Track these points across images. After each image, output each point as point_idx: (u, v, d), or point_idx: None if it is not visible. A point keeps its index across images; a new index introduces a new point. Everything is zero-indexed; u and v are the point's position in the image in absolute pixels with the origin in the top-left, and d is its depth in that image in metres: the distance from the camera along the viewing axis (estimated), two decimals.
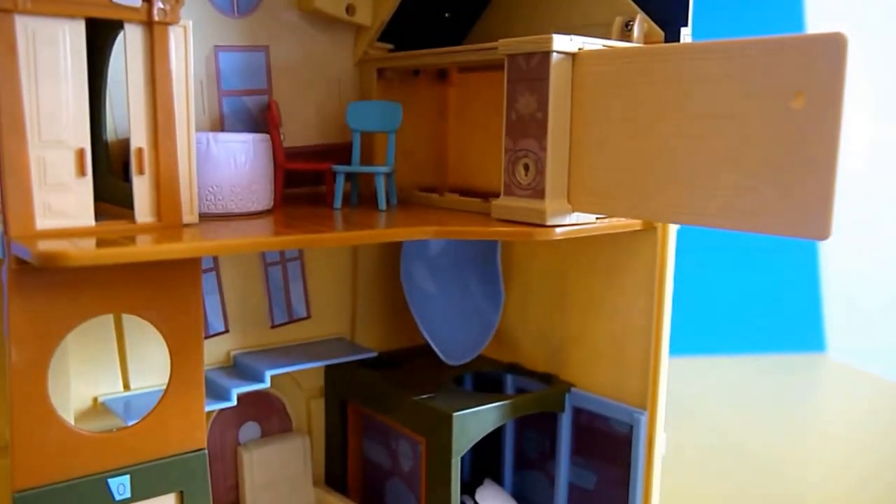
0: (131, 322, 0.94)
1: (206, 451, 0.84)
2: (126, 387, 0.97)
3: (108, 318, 0.94)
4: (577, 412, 1.08)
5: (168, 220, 0.76)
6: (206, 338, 1.02)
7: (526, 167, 0.86)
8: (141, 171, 0.75)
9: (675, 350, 1.00)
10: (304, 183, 1.07)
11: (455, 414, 0.96)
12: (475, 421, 0.98)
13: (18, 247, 0.67)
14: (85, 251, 0.65)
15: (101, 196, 0.78)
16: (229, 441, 1.09)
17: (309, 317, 1.13)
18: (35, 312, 0.72)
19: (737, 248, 2.50)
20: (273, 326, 1.10)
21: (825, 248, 2.58)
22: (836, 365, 2.42)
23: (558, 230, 0.84)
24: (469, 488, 1.10)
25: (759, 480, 1.49)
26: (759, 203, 0.69)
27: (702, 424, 1.79)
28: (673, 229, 0.97)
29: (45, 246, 0.65)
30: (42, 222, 0.70)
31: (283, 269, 1.09)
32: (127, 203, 0.76)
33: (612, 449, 1.04)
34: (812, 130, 0.65)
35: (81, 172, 0.71)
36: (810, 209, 0.66)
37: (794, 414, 1.92)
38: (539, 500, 1.14)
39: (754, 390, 2.08)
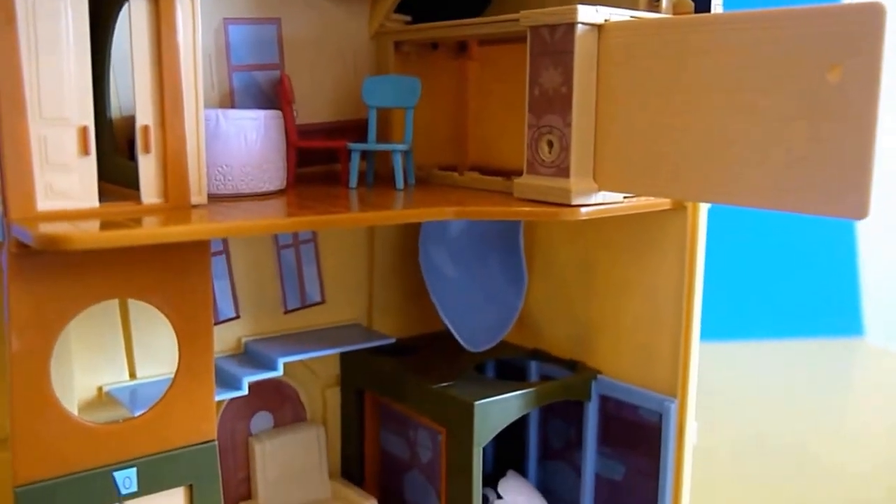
0: (137, 308, 0.94)
1: (217, 443, 0.84)
2: (132, 376, 0.96)
3: (113, 304, 0.94)
4: (604, 400, 1.07)
5: (175, 201, 0.76)
6: (216, 324, 1.02)
7: (550, 144, 0.84)
8: (147, 150, 0.74)
9: (705, 335, 0.99)
10: (317, 162, 1.06)
11: (477, 403, 0.95)
12: (498, 410, 0.97)
13: (19, 229, 0.66)
14: (88, 234, 0.65)
15: (105, 176, 0.77)
16: (240, 432, 1.09)
17: (323, 302, 1.12)
18: (36, 298, 0.71)
19: (770, 229, 2.48)
20: (286, 312, 1.09)
21: (863, 229, 2.55)
22: (875, 350, 2.39)
23: (584, 210, 0.83)
24: (491, 480, 1.09)
25: (793, 470, 1.48)
26: (793, 181, 0.68)
27: (734, 413, 1.78)
28: (703, 209, 0.96)
29: (46, 228, 0.65)
30: (43, 203, 0.69)
31: (296, 251, 1.08)
32: (132, 183, 0.76)
33: (640, 438, 1.03)
34: (848, 105, 0.64)
35: (85, 151, 0.71)
36: (847, 187, 0.64)
37: (831, 401, 1.91)
38: (565, 492, 1.13)
39: (789, 377, 2.07)
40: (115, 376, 0.95)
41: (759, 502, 1.35)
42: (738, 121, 0.71)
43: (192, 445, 0.82)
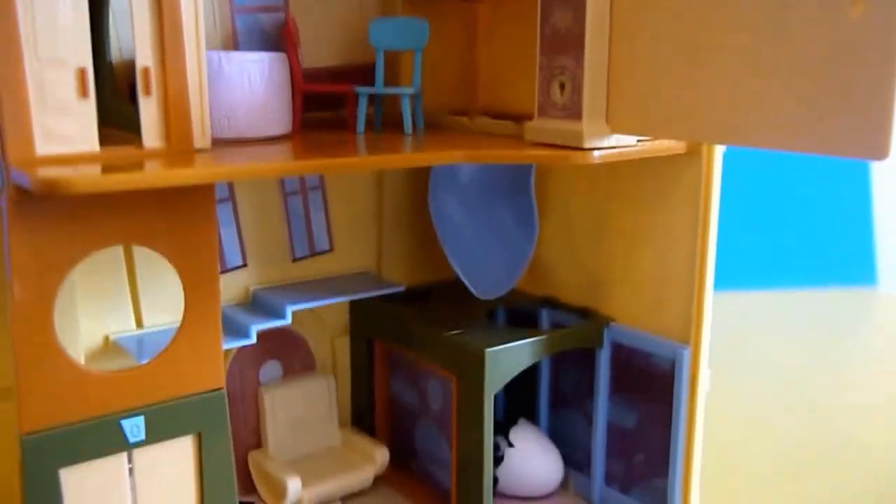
0: (143, 256, 0.92)
1: (225, 391, 0.83)
2: (139, 324, 0.95)
3: (118, 252, 0.93)
4: (617, 348, 1.05)
5: (178, 145, 0.74)
6: (222, 272, 1.01)
7: (562, 86, 0.82)
8: (147, 93, 0.72)
9: (717, 285, 0.98)
10: (324, 107, 1.04)
11: (488, 350, 0.94)
12: (509, 357, 0.96)
13: (17, 174, 0.65)
14: (89, 178, 0.63)
15: (106, 121, 0.75)
16: (250, 381, 1.08)
17: (332, 250, 1.11)
18: (38, 245, 0.70)
19: (783, 177, 2.45)
20: (294, 260, 1.08)
21: (877, 177, 2.52)
22: (889, 299, 2.38)
23: (596, 153, 0.81)
24: (502, 428, 1.09)
25: (804, 418, 1.47)
26: (812, 121, 0.65)
27: (746, 362, 1.77)
28: (718, 153, 0.94)
29: (45, 173, 0.63)
30: (42, 148, 0.68)
31: (303, 199, 1.06)
32: (134, 128, 0.74)
33: (653, 386, 1.02)
34: (870, 41, 0.61)
35: (83, 94, 0.69)
36: (867, 127, 0.62)
37: (843, 350, 1.89)
38: (576, 439, 1.12)
39: (802, 326, 2.05)
40: (121, 325, 0.94)
41: (771, 449, 1.34)
42: (757, 58, 0.68)
43: (201, 393, 0.81)
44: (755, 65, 0.68)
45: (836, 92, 0.63)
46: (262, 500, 1.06)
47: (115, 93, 0.82)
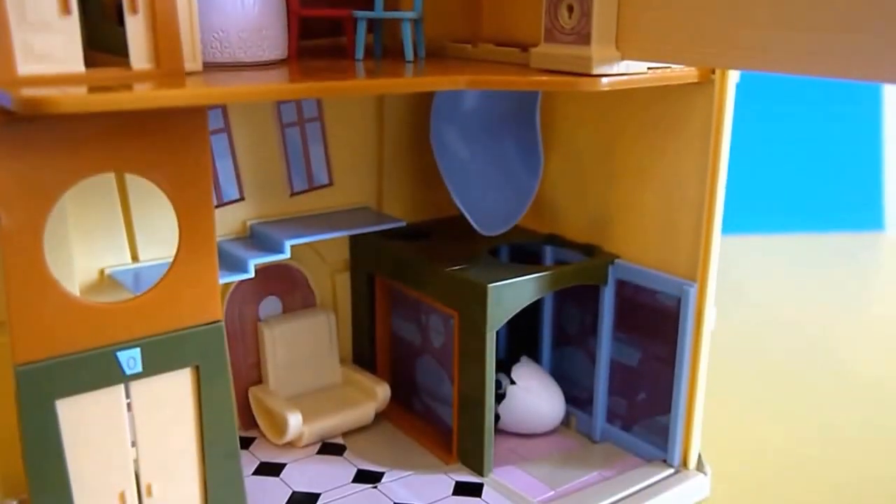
0: (137, 189, 0.90)
1: (223, 324, 0.81)
2: (135, 258, 0.93)
3: (111, 185, 0.90)
4: (621, 285, 1.03)
5: (168, 67, 0.70)
6: (219, 206, 0.98)
7: (570, 9, 0.79)
8: (134, 10, 0.68)
9: (724, 229, 0.95)
10: (321, 34, 1.00)
11: (490, 285, 0.92)
12: (511, 293, 0.94)
13: None
14: (74, 97, 0.60)
15: (93, 45, 0.73)
16: (249, 317, 1.06)
17: (331, 184, 1.08)
18: (24, 170, 0.67)
19: (791, 121, 2.41)
20: (292, 194, 1.05)
21: (889, 121, 2.48)
22: None
23: (605, 80, 0.78)
24: (505, 366, 1.07)
25: (809, 360, 1.46)
26: (835, 42, 0.62)
27: (752, 303, 1.75)
28: (731, 83, 0.90)
29: (29, 92, 0.60)
30: (24, 67, 0.65)
31: (301, 130, 1.03)
32: (122, 50, 0.70)
33: (657, 324, 1.00)
34: None
35: (65, 10, 0.65)
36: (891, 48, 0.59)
37: (850, 294, 1.87)
38: (579, 377, 1.11)
39: (809, 270, 2.03)
40: (116, 259, 0.92)
41: (774, 390, 1.33)
42: None
43: (198, 326, 0.79)
44: None
45: (859, 11, 0.60)
46: (264, 436, 1.05)
47: (102, 14, 0.78)
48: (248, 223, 1.02)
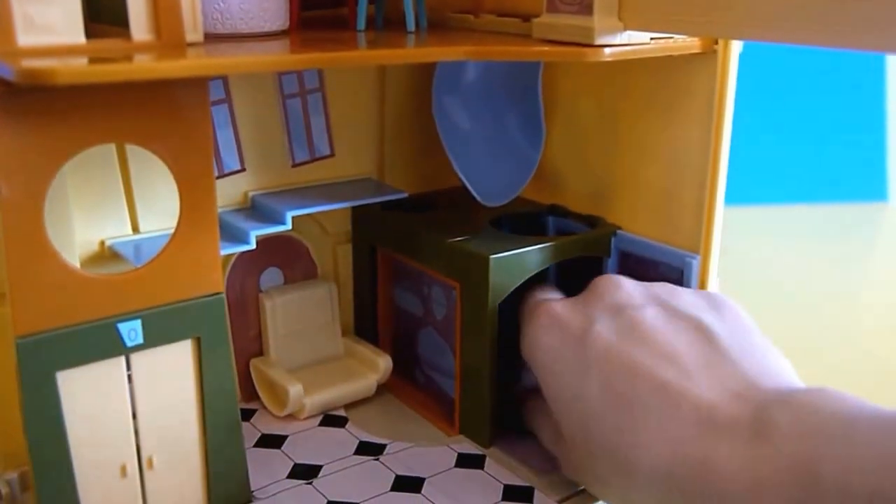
0: (138, 159, 0.90)
1: (224, 296, 0.81)
2: (135, 229, 0.93)
3: (112, 156, 0.90)
4: (624, 256, 1.03)
5: (169, 38, 0.71)
6: (220, 177, 0.99)
7: None
8: None
9: (727, 200, 0.95)
10: (322, 5, 1.00)
11: (492, 256, 0.92)
12: (514, 264, 0.94)
13: None
14: (75, 68, 0.60)
15: (94, 16, 0.72)
16: (250, 288, 1.06)
17: (332, 155, 1.08)
18: (24, 141, 0.67)
19: (796, 91, 2.40)
20: (294, 165, 1.05)
21: (892, 93, 2.47)
22: None
23: (608, 50, 0.78)
24: (506, 341, 1.07)
25: (813, 330, 1.46)
26: (844, 11, 0.61)
27: (755, 274, 1.75)
28: (734, 53, 0.90)
29: (29, 63, 0.60)
30: (24, 38, 0.65)
31: (302, 101, 1.03)
32: (122, 21, 0.70)
33: None
34: None
35: None
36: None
37: (853, 264, 1.88)
38: None
39: (812, 241, 2.03)
40: (117, 230, 0.93)
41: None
42: None
43: (199, 297, 0.80)
44: None
45: None
46: (265, 408, 1.05)
47: None
48: (250, 194, 1.02)
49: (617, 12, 0.78)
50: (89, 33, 0.68)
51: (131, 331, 0.76)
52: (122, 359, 0.77)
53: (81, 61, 0.63)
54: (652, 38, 0.82)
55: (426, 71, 1.07)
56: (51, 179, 0.69)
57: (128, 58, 0.65)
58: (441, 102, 1.03)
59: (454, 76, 1.03)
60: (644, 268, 1.01)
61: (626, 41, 0.80)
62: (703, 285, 0.96)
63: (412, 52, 0.79)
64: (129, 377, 0.78)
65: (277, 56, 0.71)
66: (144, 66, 0.63)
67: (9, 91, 0.65)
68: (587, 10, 0.78)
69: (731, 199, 0.97)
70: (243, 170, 1.01)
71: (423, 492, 0.90)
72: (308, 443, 0.99)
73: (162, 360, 0.79)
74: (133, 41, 0.70)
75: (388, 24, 0.97)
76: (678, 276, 0.97)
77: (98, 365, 0.75)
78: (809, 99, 2.41)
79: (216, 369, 0.82)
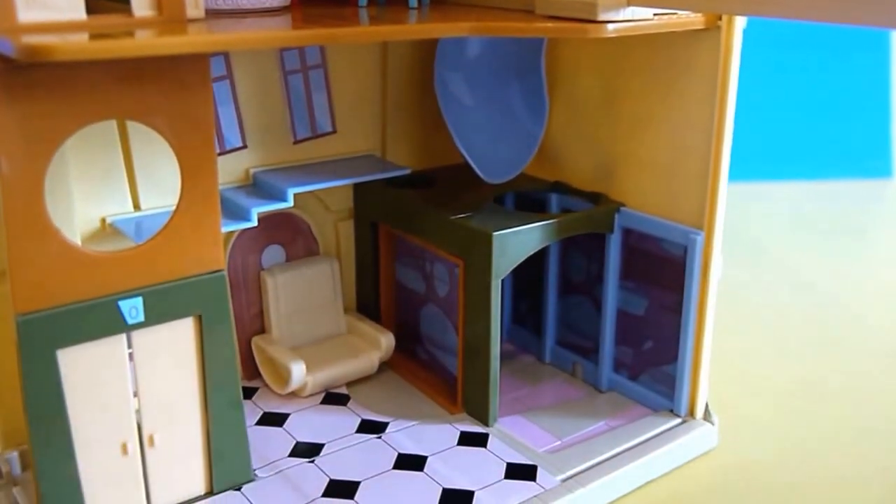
0: (139, 136, 0.90)
1: (226, 273, 0.82)
2: (136, 207, 0.94)
3: (113, 133, 0.90)
4: (627, 233, 1.04)
5: (170, 13, 0.71)
6: (221, 154, 0.99)
7: None
8: None
9: (730, 176, 0.95)
10: None
11: (495, 233, 0.92)
12: (517, 241, 0.95)
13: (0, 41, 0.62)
14: (75, 44, 0.61)
15: None
16: (251, 266, 1.07)
17: (334, 131, 1.08)
18: (24, 117, 0.67)
19: (797, 67, 2.40)
20: (295, 142, 1.05)
21: None
22: None
23: (611, 26, 0.78)
24: (511, 316, 1.08)
25: (817, 308, 1.47)
26: None
27: (757, 251, 1.76)
28: (738, 29, 0.90)
29: (29, 39, 0.61)
30: (25, 14, 0.65)
31: (304, 77, 1.03)
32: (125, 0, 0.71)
33: (664, 272, 1.01)
34: None
35: None
36: None
37: (857, 241, 1.88)
38: (585, 326, 1.12)
39: (815, 217, 2.03)
40: (118, 207, 0.93)
41: (779, 339, 1.34)
42: None
43: (200, 275, 0.80)
44: None
45: None
46: (267, 386, 1.06)
47: None
48: (251, 171, 1.02)
49: None
50: (90, 9, 0.69)
51: (132, 308, 0.77)
52: (124, 336, 0.77)
53: (82, 37, 0.63)
54: (655, 14, 0.82)
55: (428, 47, 1.07)
56: (51, 156, 0.70)
57: (129, 34, 0.66)
58: (443, 78, 1.03)
59: (456, 52, 1.03)
60: (648, 245, 1.02)
61: (629, 17, 0.80)
62: (706, 262, 0.97)
63: (414, 29, 0.79)
64: (130, 355, 0.79)
65: (279, 32, 0.71)
66: (145, 42, 0.63)
67: (9, 67, 0.65)
68: None
69: (734, 175, 0.97)
70: (245, 146, 1.01)
71: (425, 470, 0.91)
72: (310, 421, 1.00)
73: (163, 338, 0.80)
74: (134, 17, 0.70)
75: (389, 0, 0.97)
76: (682, 253, 0.98)
77: (99, 343, 0.76)
78: (813, 74, 2.41)
79: (217, 347, 0.83)
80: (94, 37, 0.63)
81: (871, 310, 1.47)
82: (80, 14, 0.68)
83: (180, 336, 0.81)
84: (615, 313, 1.07)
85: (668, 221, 0.99)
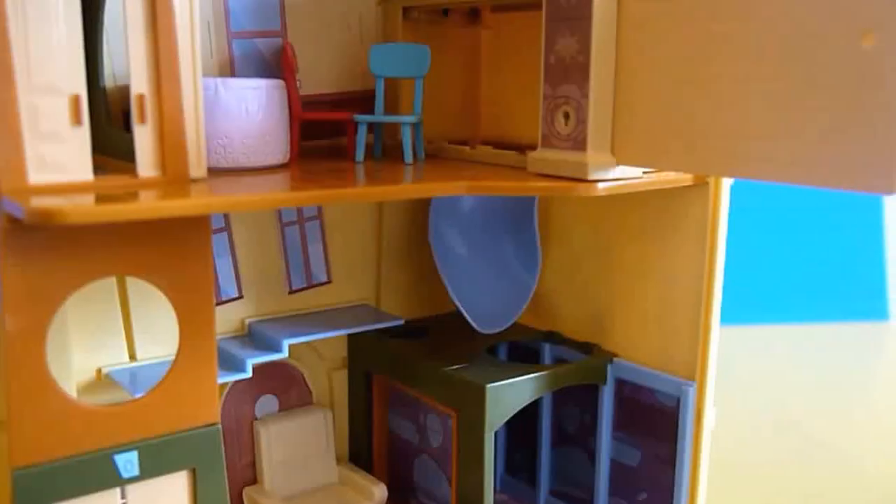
0: (136, 287, 0.92)
1: (220, 426, 0.82)
2: (132, 357, 0.95)
3: (111, 283, 0.92)
4: (621, 384, 1.05)
5: (173, 174, 0.74)
6: (218, 304, 1.00)
7: (566, 116, 0.82)
8: (142, 120, 0.72)
9: (724, 319, 0.97)
10: (322, 135, 1.04)
11: (488, 385, 0.93)
12: (510, 393, 0.95)
13: (9, 203, 0.64)
14: (82, 208, 0.63)
15: (100, 149, 0.75)
16: (245, 416, 1.07)
17: (329, 282, 1.10)
18: (30, 275, 0.69)
19: (793, 209, 2.45)
20: (291, 292, 1.07)
21: (890, 210, 2.52)
22: None
23: (601, 185, 0.81)
24: (504, 466, 1.07)
25: (813, 457, 1.46)
26: (821, 153, 0.65)
27: (754, 398, 1.76)
28: (726, 185, 0.93)
29: (38, 202, 0.63)
30: (35, 176, 0.67)
31: (300, 229, 1.06)
32: (128, 156, 0.73)
33: (657, 423, 1.01)
34: (882, 73, 0.61)
35: (77, 121, 0.68)
36: (878, 160, 0.62)
37: (854, 386, 1.88)
38: (579, 477, 1.11)
39: (811, 362, 2.04)
40: (114, 358, 0.94)
41: (777, 490, 1.33)
42: (765, 90, 0.68)
43: (195, 429, 0.81)
44: (764, 96, 0.68)
45: (845, 124, 0.63)
46: None
47: (109, 120, 0.81)
48: (247, 321, 1.03)
49: (610, 148, 0.81)
50: (96, 165, 0.71)
51: (127, 462, 0.77)
52: (118, 490, 0.77)
53: (89, 200, 0.65)
54: (644, 172, 0.85)
55: (423, 199, 1.10)
56: (55, 312, 0.71)
57: (134, 195, 0.68)
58: (438, 230, 1.06)
59: (451, 205, 1.06)
60: (641, 396, 1.03)
61: (619, 175, 0.82)
62: (699, 413, 0.97)
63: (411, 188, 0.82)
64: None
65: (279, 194, 0.74)
66: (149, 206, 0.65)
67: (16, 226, 0.67)
68: (581, 146, 0.81)
69: (729, 318, 0.98)
70: (241, 297, 1.03)
71: None
72: None
73: (157, 492, 0.79)
74: (139, 177, 0.73)
75: (386, 152, 1.00)
76: (674, 405, 0.98)
77: (93, 497, 0.76)
78: (808, 216, 2.45)
79: (210, 500, 0.82)
80: (100, 199, 0.66)
81: (872, 458, 1.46)
82: (87, 175, 0.70)
83: (174, 490, 0.81)
84: (609, 464, 1.07)
85: (660, 373, 1.00)
